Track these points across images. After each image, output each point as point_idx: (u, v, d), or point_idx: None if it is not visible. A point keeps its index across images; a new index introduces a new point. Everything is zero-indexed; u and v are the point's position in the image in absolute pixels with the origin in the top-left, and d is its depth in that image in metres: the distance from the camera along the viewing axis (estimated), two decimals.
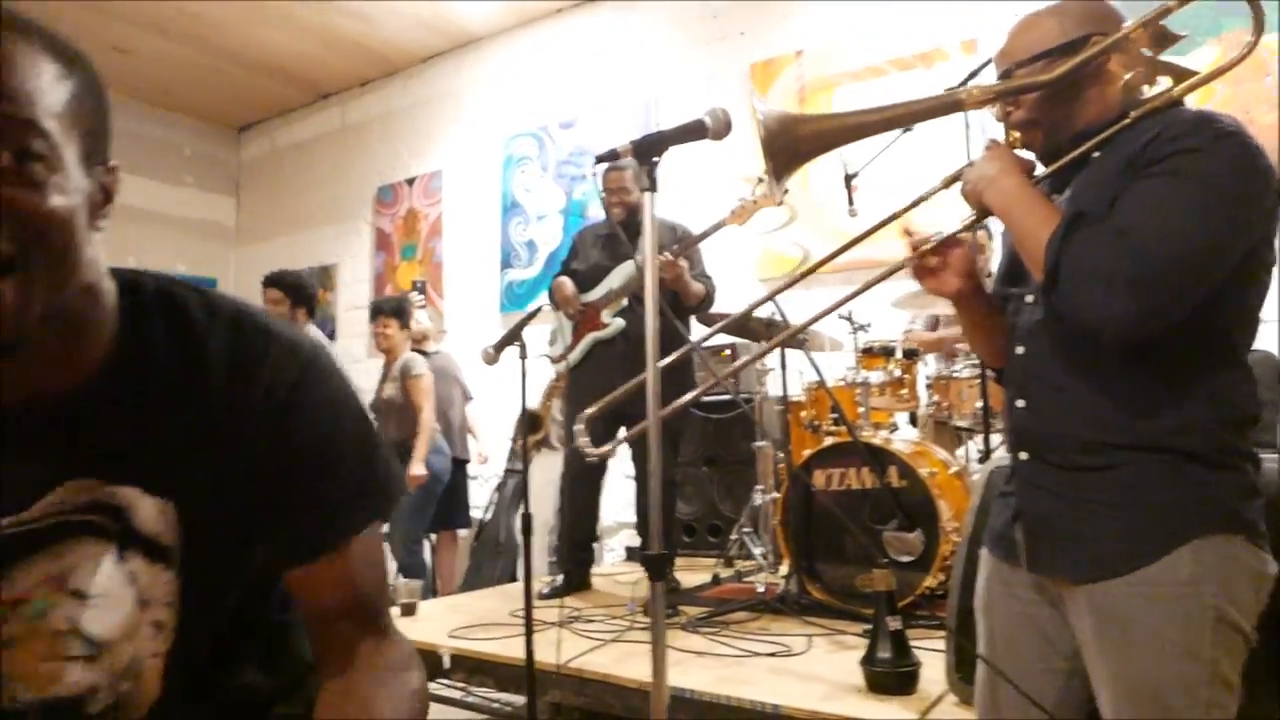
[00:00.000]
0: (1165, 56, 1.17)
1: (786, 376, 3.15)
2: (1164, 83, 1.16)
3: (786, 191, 2.71)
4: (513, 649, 2.32)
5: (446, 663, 2.51)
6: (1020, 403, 1.21)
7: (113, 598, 0.76)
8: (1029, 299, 1.22)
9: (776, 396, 3.49)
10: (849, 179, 2.97)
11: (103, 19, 5.61)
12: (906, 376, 3.03)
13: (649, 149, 1.23)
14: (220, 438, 0.77)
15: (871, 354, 3.07)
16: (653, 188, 1.22)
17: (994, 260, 2.44)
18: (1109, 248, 1.02)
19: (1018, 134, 1.23)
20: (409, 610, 2.96)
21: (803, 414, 3.31)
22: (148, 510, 0.76)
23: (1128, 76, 1.16)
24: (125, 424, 0.76)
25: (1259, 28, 1.08)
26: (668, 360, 1.35)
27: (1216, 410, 1.08)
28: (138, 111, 6.92)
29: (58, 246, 0.65)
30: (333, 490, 0.81)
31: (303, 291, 4.29)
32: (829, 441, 2.85)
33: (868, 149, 2.49)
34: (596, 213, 5.24)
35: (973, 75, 2.44)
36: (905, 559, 2.60)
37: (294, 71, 6.50)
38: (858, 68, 4.51)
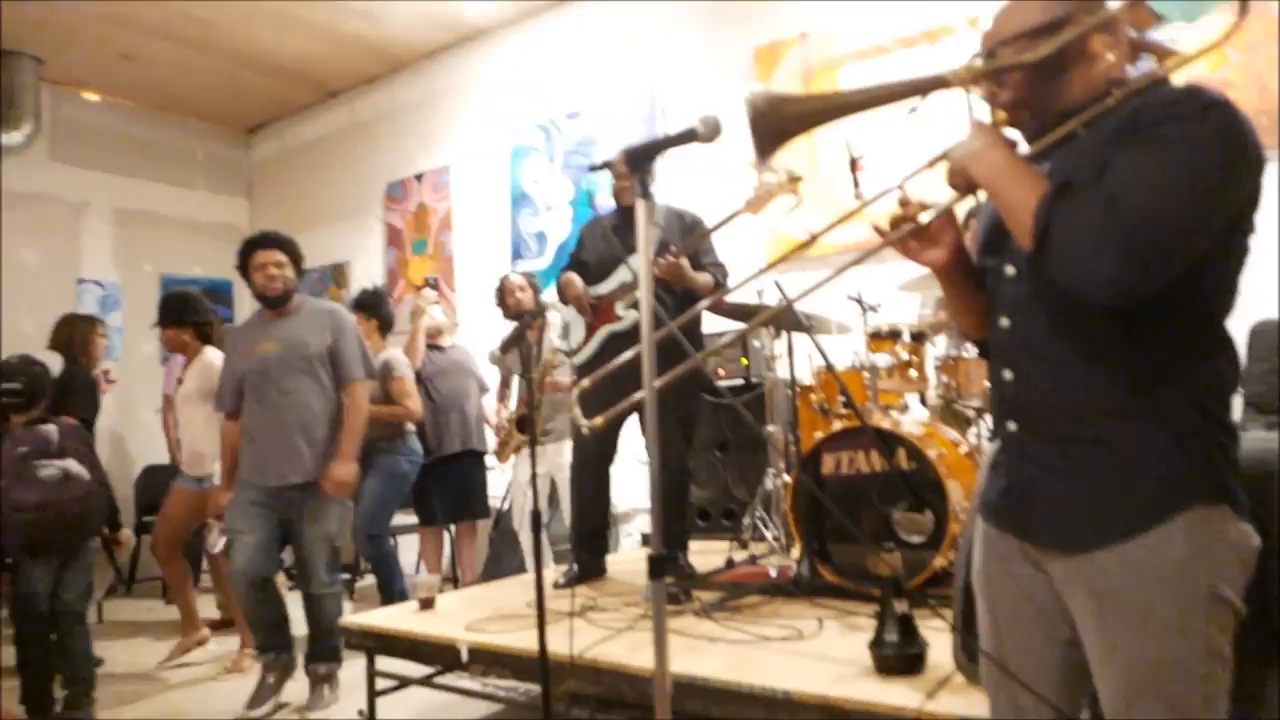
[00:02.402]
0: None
1: (794, 361, 3.15)
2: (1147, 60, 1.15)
3: (800, 179, 2.70)
4: (529, 640, 2.35)
5: (465, 656, 2.54)
6: (1008, 374, 1.22)
7: None
8: (1009, 270, 1.23)
9: (786, 380, 3.48)
10: (854, 162, 2.97)
11: (108, 26, 5.66)
12: (915, 358, 3.02)
13: (641, 156, 1.24)
14: None
15: (879, 337, 3.06)
16: (645, 194, 1.23)
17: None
18: (1098, 212, 1.03)
19: (1004, 114, 1.23)
20: (427, 604, 3.00)
21: (812, 398, 3.31)
22: None
23: (1111, 56, 1.16)
24: None
25: (1244, 8, 1.08)
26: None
27: (1204, 380, 1.10)
28: (148, 117, 7.01)
29: None
30: None
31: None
32: (838, 426, 2.86)
33: (872, 131, 2.48)
34: (605, 202, 5.24)
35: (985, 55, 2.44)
36: (916, 539, 2.60)
37: (302, 71, 6.54)
38: (864, 46, 4.48)
